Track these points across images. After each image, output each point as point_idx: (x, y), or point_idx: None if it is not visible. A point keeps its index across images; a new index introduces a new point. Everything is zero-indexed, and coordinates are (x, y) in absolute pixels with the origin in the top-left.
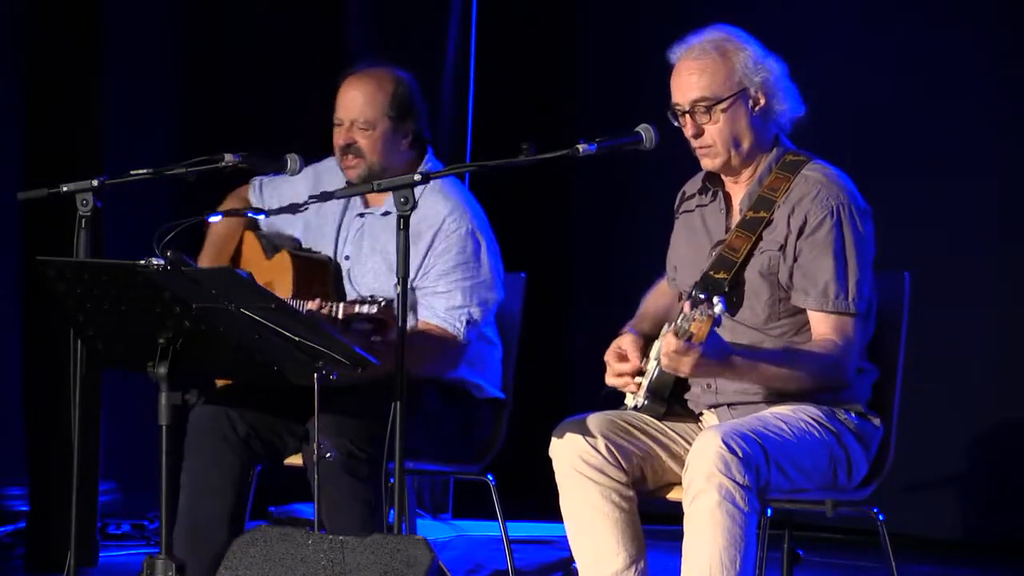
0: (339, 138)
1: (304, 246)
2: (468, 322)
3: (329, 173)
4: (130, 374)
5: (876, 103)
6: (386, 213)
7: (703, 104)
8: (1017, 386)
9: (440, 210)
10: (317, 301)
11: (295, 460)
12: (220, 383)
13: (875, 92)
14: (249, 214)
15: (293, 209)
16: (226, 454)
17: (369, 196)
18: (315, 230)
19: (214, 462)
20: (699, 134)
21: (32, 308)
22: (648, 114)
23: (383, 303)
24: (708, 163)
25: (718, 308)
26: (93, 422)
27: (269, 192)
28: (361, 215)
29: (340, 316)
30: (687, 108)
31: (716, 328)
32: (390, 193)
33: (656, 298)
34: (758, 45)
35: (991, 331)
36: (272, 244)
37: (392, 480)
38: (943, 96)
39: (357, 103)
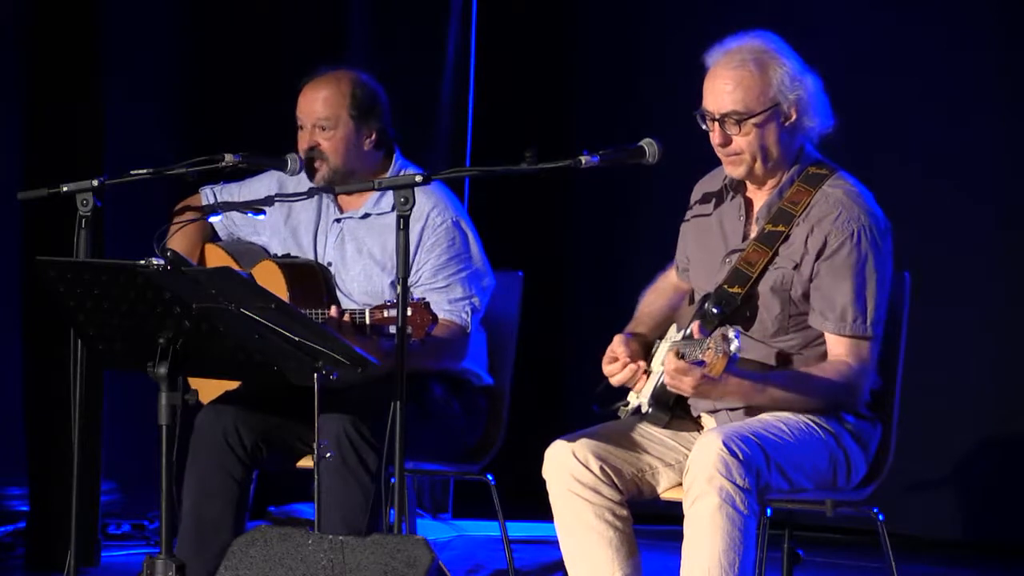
0: (302, 142)
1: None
2: (473, 311)
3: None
4: (130, 374)
5: (876, 103)
6: (365, 215)
7: (735, 117)
8: (1016, 386)
9: (422, 204)
10: (334, 309)
11: (304, 463)
12: (227, 387)
13: (875, 92)
14: (250, 214)
15: (269, 203)
16: (232, 460)
17: (342, 200)
18: (287, 239)
19: (220, 466)
20: (727, 143)
21: (32, 308)
22: (648, 113)
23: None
24: (732, 170)
25: (734, 346)
26: (93, 422)
27: (225, 200)
28: (338, 220)
29: (368, 322)
30: (718, 117)
31: (732, 363)
32: (367, 195)
33: (653, 299)
34: (797, 59)
35: (991, 331)
36: (243, 255)
37: (392, 480)
38: (943, 96)
39: (317, 104)
